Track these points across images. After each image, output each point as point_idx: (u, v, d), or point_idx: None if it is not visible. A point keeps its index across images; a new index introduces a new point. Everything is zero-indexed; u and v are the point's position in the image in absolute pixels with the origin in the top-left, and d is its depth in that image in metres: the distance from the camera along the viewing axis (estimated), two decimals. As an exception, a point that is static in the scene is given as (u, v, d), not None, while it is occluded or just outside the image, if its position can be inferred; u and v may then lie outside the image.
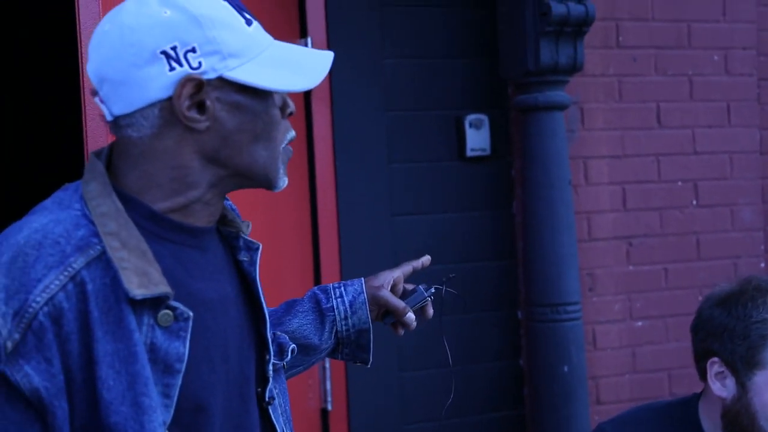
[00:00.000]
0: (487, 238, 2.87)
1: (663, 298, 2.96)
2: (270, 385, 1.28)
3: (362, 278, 1.52)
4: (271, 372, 1.28)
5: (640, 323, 2.91)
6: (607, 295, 2.87)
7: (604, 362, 2.87)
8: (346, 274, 2.69)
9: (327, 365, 2.67)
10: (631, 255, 2.94)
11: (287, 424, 1.34)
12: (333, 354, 1.57)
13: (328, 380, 2.68)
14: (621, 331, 2.89)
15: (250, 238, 1.27)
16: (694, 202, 3.04)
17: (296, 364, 1.50)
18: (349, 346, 1.54)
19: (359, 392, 2.67)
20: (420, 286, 1.54)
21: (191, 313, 1.08)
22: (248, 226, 1.29)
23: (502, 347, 2.85)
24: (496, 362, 2.85)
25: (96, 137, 1.48)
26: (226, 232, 1.25)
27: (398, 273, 1.55)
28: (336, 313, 1.50)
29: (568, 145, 2.79)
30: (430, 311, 1.57)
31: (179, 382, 1.06)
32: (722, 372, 1.80)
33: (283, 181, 1.19)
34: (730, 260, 3.05)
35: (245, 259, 1.25)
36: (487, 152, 2.86)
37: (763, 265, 3.09)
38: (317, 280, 2.72)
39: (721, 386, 1.81)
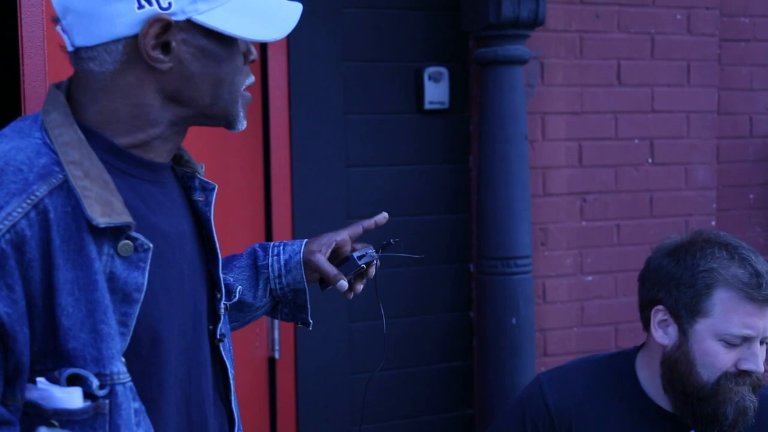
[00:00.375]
0: (443, 191, 2.89)
1: (614, 253, 3.01)
2: (221, 323, 1.30)
3: (305, 240, 1.54)
4: (222, 310, 1.31)
5: (590, 278, 2.96)
6: (559, 250, 2.90)
7: (552, 315, 2.91)
8: (298, 224, 2.70)
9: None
10: (585, 211, 2.97)
11: (232, 366, 1.37)
12: (273, 313, 1.60)
13: (276, 329, 2.70)
14: (571, 286, 2.93)
15: (206, 179, 1.29)
16: (650, 160, 3.07)
17: (231, 320, 1.50)
18: (288, 306, 1.56)
19: (307, 341, 2.70)
20: (354, 254, 1.55)
21: (151, 245, 1.10)
22: (202, 167, 1.31)
23: (455, 299, 2.89)
24: (448, 314, 2.89)
25: (34, 97, 1.46)
26: (182, 172, 1.27)
27: (344, 235, 1.56)
28: (270, 271, 1.52)
29: (527, 100, 2.80)
30: (371, 273, 1.58)
31: (137, 311, 1.08)
32: (666, 320, 1.84)
33: (242, 124, 1.21)
34: (682, 218, 3.09)
35: (200, 199, 1.27)
36: (446, 105, 2.86)
37: (714, 223, 3.13)
38: (268, 229, 2.73)
39: (663, 334, 1.86)
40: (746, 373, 1.77)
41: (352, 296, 1.57)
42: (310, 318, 1.57)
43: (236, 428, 1.34)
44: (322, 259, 1.51)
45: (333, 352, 2.74)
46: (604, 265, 2.97)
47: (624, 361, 1.96)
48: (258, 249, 1.56)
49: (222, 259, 1.53)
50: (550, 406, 1.92)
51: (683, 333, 1.81)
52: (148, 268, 1.09)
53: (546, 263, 2.88)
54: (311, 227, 2.68)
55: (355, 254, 1.54)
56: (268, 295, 1.53)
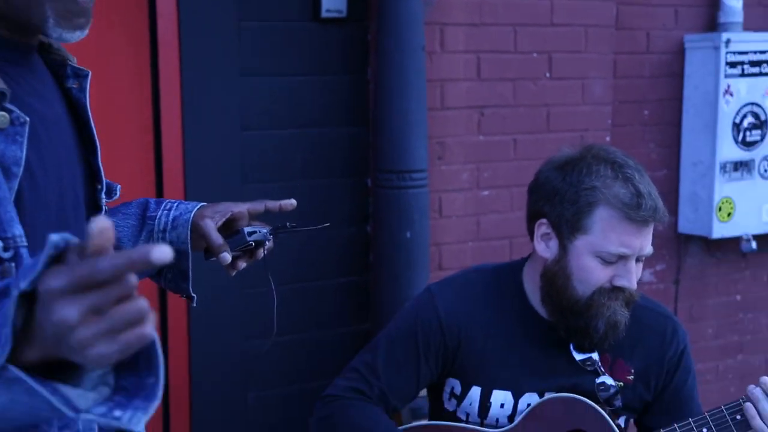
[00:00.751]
0: (340, 103, 2.82)
1: (510, 168, 3.01)
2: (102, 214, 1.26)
3: (202, 203, 1.48)
4: (103, 202, 1.27)
5: (486, 192, 2.96)
6: (456, 164, 2.89)
7: (448, 230, 2.92)
8: (188, 133, 2.60)
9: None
10: (482, 125, 2.95)
11: None
12: (157, 278, 1.53)
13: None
14: (467, 200, 2.93)
15: (78, 66, 1.24)
16: (548, 74, 3.06)
17: None
18: (171, 270, 1.50)
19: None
20: (246, 228, 1.48)
21: (27, 118, 1.06)
22: (74, 59, 1.26)
23: (352, 214, 2.86)
24: (346, 228, 2.86)
25: None
26: (51, 59, 1.23)
27: (242, 208, 1.49)
28: (156, 224, 1.46)
29: (425, 9, 2.74)
30: (259, 254, 1.52)
31: (16, 186, 1.05)
32: (548, 233, 1.86)
33: (60, 32, 1.12)
34: (577, 133, 3.11)
35: (74, 86, 1.23)
36: (343, 14, 2.77)
37: (608, 138, 3.17)
38: (157, 139, 2.62)
39: (546, 247, 1.87)
40: (620, 290, 1.80)
41: (234, 273, 1.51)
42: (192, 290, 1.50)
43: None
44: (211, 225, 1.44)
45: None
46: (501, 180, 2.98)
47: (512, 273, 1.98)
48: (151, 201, 1.50)
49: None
50: (441, 317, 1.93)
51: (563, 248, 1.83)
52: (25, 142, 1.06)
53: (442, 177, 2.87)
54: (203, 142, 2.60)
55: (246, 229, 1.48)
56: None
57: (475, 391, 1.94)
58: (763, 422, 1.70)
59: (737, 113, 3.24)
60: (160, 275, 1.51)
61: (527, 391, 1.92)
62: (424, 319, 1.94)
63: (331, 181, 2.81)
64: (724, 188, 3.25)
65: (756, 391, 1.72)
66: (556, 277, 1.84)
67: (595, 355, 1.91)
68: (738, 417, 1.75)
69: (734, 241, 3.42)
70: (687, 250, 3.46)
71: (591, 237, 1.78)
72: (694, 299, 3.51)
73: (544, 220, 1.86)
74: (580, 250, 1.80)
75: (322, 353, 2.85)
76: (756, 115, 3.28)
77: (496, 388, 1.93)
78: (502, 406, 1.93)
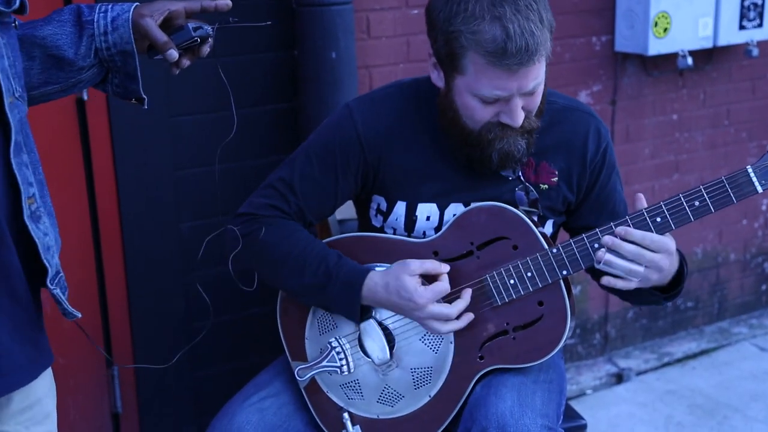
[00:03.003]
0: None
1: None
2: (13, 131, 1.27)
3: (135, 3, 1.45)
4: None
5: (415, 11, 2.86)
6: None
7: (377, 51, 2.82)
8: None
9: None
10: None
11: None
12: (104, 85, 1.50)
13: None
14: (396, 20, 2.83)
15: None
16: None
17: (50, 81, 1.44)
18: (118, 75, 1.47)
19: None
20: (190, 24, 1.46)
21: None
22: None
23: (279, 38, 2.74)
24: (272, 53, 2.75)
25: None
26: None
27: (179, 6, 1.46)
28: (96, 27, 1.42)
29: None
30: (204, 51, 1.51)
31: None
32: (436, 64, 1.79)
33: None
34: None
35: None
36: None
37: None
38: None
39: (437, 76, 1.82)
40: (508, 126, 1.75)
41: (177, 71, 1.50)
42: (143, 92, 1.49)
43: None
44: (152, 23, 1.43)
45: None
46: None
47: (431, 86, 1.91)
48: (82, 6, 1.45)
49: (45, 17, 1.44)
50: (360, 132, 1.89)
51: (447, 84, 1.78)
52: None
53: (369, -2, 2.75)
54: None
55: (190, 25, 1.46)
56: (93, 55, 1.43)
57: (401, 206, 1.92)
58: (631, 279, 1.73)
59: None
60: (105, 82, 1.49)
61: (452, 203, 1.90)
62: (343, 134, 1.89)
63: (254, 2, 2.67)
64: (660, 2, 3.17)
65: (607, 256, 1.72)
66: (447, 110, 1.80)
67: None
68: (658, 219, 1.75)
69: (671, 59, 3.38)
70: (624, 69, 3.42)
71: (466, 78, 1.72)
72: (630, 119, 3.50)
73: (431, 51, 1.80)
74: (460, 89, 1.75)
75: (256, 180, 2.80)
76: (692, -77, 3.17)
77: (420, 202, 1.91)
78: (428, 218, 1.92)
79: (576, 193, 1.95)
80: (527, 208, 1.89)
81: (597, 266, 1.74)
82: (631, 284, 1.73)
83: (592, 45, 3.32)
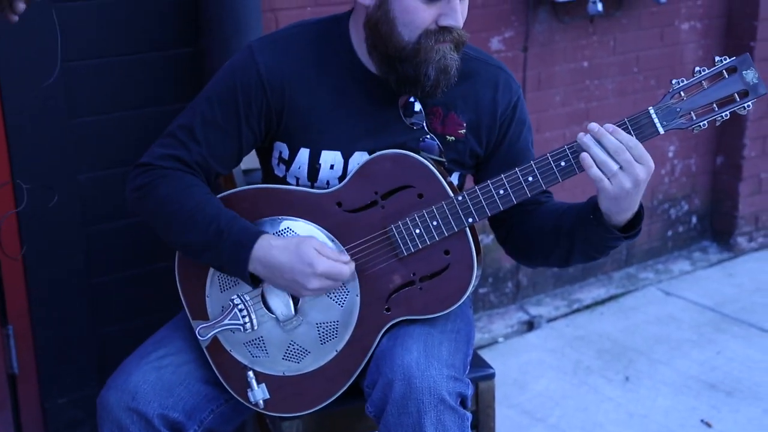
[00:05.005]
0: None
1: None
2: None
3: None
4: None
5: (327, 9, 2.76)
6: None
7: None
8: None
9: None
10: None
11: None
12: None
13: None
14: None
15: None
16: None
17: None
18: None
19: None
20: None
21: None
22: None
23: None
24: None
25: None
26: None
27: None
28: None
29: None
30: (20, 6, 1.41)
31: None
32: None
33: None
34: None
35: None
36: None
37: None
38: None
39: None
40: (447, 30, 1.71)
41: (15, 18, 1.41)
42: None
43: None
44: None
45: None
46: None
47: (337, 25, 1.85)
48: None
49: None
50: (262, 74, 1.81)
51: None
52: None
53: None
54: None
55: None
56: None
57: (304, 153, 1.86)
58: (600, 170, 1.66)
59: None
60: None
61: (357, 151, 1.85)
62: (244, 76, 1.81)
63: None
64: (571, -54, 3.14)
65: (586, 138, 1.67)
66: (379, 23, 1.73)
67: (420, 109, 1.84)
68: (562, 164, 1.73)
69: (582, 4, 3.36)
70: (536, 16, 3.39)
71: None
72: (542, 67, 3.48)
73: None
74: None
75: (157, 128, 2.70)
76: None
77: (324, 149, 1.85)
78: (331, 167, 1.86)
79: (485, 146, 1.91)
80: (435, 157, 1.85)
81: (576, 148, 1.68)
82: (606, 182, 1.65)
83: (503, -8, 3.27)
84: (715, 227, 4.26)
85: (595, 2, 3.27)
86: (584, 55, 3.57)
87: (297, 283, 1.74)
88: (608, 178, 1.65)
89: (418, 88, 1.76)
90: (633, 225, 1.74)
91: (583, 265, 3.91)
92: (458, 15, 1.70)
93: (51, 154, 2.53)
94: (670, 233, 4.16)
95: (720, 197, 4.20)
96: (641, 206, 1.74)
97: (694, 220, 4.22)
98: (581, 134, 1.68)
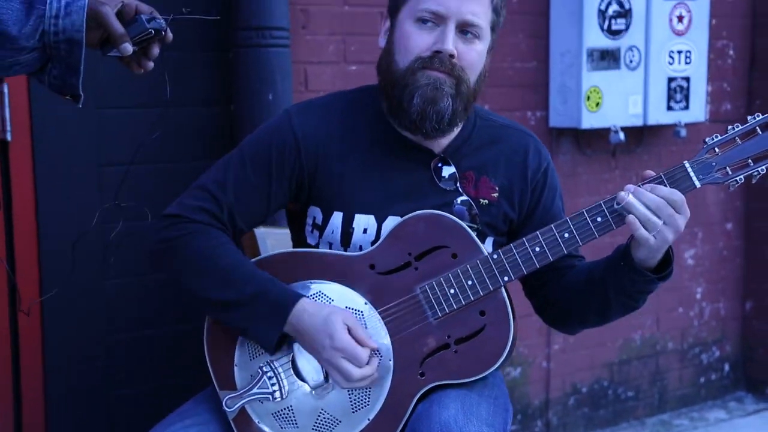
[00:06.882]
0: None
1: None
2: None
3: None
4: None
5: (353, 67, 2.87)
6: (321, 35, 2.78)
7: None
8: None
9: (5, 90, 2.42)
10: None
11: None
12: (40, 75, 1.39)
13: (7, 108, 2.43)
14: (334, 74, 2.83)
15: None
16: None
17: None
18: (58, 66, 1.37)
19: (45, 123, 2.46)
20: (142, 16, 1.41)
21: None
22: None
23: (214, 93, 2.71)
24: (207, 108, 2.71)
25: None
26: None
27: (132, 0, 1.41)
28: (48, 8, 1.33)
29: None
30: (155, 51, 1.45)
31: None
32: (385, 23, 1.85)
33: None
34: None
35: None
36: None
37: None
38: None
39: (383, 37, 1.86)
40: (437, 55, 1.75)
41: (141, 72, 1.46)
42: (81, 89, 1.39)
43: None
44: (110, 11, 1.35)
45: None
46: (368, 55, 2.88)
47: (369, 93, 1.90)
48: None
49: None
50: (298, 137, 1.83)
51: (392, 26, 1.81)
52: None
53: (308, 48, 2.75)
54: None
55: (143, 17, 1.40)
56: (38, 37, 1.33)
57: (337, 217, 1.85)
58: (647, 230, 1.64)
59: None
60: (43, 72, 1.38)
61: (390, 215, 1.84)
62: (280, 137, 1.83)
63: (188, 55, 2.65)
64: (591, 77, 3.26)
65: (629, 199, 1.65)
66: (384, 58, 1.82)
67: (454, 172, 1.85)
68: (599, 219, 1.71)
69: (604, 136, 3.43)
70: (559, 146, 3.46)
71: (410, 3, 1.76)
72: (566, 197, 3.49)
73: (387, 14, 1.86)
74: (403, 19, 1.78)
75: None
76: (620, 3, 3.30)
77: (357, 212, 1.84)
78: (365, 231, 1.84)
79: (518, 211, 1.90)
80: (468, 223, 1.83)
81: (617, 207, 1.66)
82: (650, 238, 1.63)
83: (527, 120, 3.36)
84: (749, 375, 4.13)
85: (617, 132, 3.34)
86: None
87: (314, 351, 1.69)
88: (653, 235, 1.63)
89: (405, 119, 1.77)
90: (663, 267, 1.71)
91: (614, 407, 3.77)
92: (448, 39, 1.73)
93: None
94: (702, 380, 4.03)
95: (752, 344, 4.10)
96: (670, 247, 1.70)
97: (726, 367, 4.10)
98: (622, 194, 1.67)
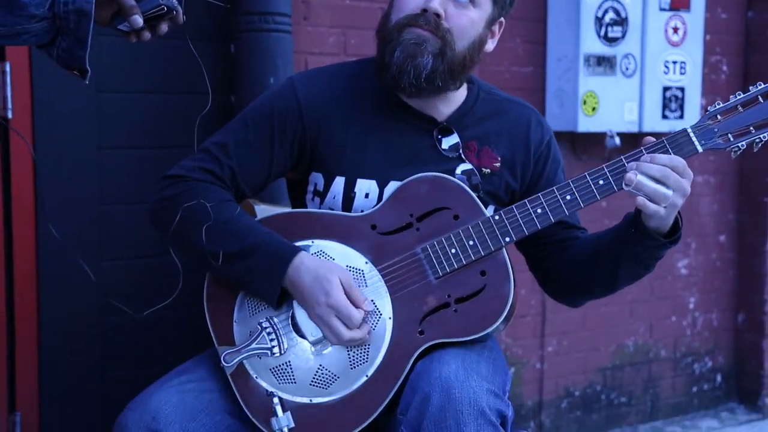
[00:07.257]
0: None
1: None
2: None
3: None
4: None
5: (354, 60, 2.90)
6: (322, 26, 2.82)
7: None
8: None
9: (8, 69, 2.45)
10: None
11: None
12: (49, 48, 1.39)
13: (9, 87, 2.45)
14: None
15: None
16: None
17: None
18: (67, 38, 1.37)
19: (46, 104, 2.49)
20: None
21: None
22: None
23: (215, 83, 2.73)
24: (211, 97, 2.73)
25: None
26: None
27: None
28: None
29: None
30: (163, 28, 1.46)
31: None
32: None
33: None
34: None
35: None
36: None
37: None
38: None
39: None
40: (424, 13, 1.77)
41: (135, 40, 1.45)
42: (87, 63, 1.39)
43: None
44: None
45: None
46: (368, 49, 2.92)
47: (368, 64, 1.94)
48: None
49: None
50: (301, 102, 1.87)
51: None
52: None
53: (309, 39, 2.80)
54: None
55: None
56: (48, 6, 1.33)
57: (339, 182, 1.87)
58: (657, 203, 1.63)
59: (599, 7, 3.32)
60: (52, 45, 1.38)
61: (392, 180, 1.86)
62: (283, 103, 1.86)
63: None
64: (588, 81, 3.31)
65: (635, 178, 1.63)
66: (382, 19, 1.85)
67: (457, 141, 1.87)
68: (601, 182, 1.74)
69: (600, 141, 3.48)
70: (554, 152, 3.49)
71: None
72: (561, 201, 3.53)
73: None
74: None
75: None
76: (617, 12, 3.36)
77: (360, 177, 1.87)
78: (366, 196, 1.86)
79: (520, 182, 1.92)
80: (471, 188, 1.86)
81: (626, 189, 1.66)
82: (660, 210, 1.63)
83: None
84: (741, 386, 4.14)
85: (612, 136, 3.39)
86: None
87: (308, 306, 1.71)
88: (663, 206, 1.65)
89: (387, 73, 1.79)
90: (672, 231, 1.72)
91: (607, 412, 3.77)
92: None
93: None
94: (695, 389, 4.04)
95: (744, 356, 4.12)
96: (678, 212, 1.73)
97: (719, 378, 4.11)
98: (629, 175, 1.65)
